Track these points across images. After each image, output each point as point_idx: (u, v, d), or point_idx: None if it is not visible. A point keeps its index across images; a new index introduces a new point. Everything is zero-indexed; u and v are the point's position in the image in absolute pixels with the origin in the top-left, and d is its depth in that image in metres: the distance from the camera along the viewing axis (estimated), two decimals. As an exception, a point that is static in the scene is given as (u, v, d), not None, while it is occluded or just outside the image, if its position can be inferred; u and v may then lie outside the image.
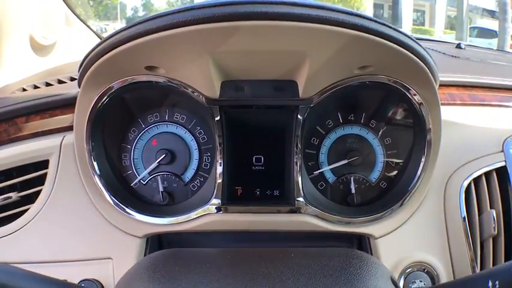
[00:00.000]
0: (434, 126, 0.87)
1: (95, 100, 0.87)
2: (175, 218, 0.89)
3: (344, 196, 0.96)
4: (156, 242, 0.94)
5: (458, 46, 1.76)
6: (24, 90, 1.10)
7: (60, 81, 1.13)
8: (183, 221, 0.89)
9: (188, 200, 0.95)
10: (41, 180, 0.93)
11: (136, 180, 0.96)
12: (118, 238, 0.91)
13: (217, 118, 0.87)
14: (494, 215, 0.88)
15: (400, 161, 0.96)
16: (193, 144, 0.96)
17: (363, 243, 0.94)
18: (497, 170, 0.92)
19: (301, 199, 0.88)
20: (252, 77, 0.84)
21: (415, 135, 0.91)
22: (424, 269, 0.89)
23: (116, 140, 0.96)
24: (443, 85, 1.03)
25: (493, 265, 0.89)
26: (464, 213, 0.90)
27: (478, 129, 0.99)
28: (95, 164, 0.90)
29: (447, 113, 0.94)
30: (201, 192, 0.95)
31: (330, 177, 0.97)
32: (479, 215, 0.90)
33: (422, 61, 0.78)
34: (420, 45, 0.77)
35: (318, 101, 0.86)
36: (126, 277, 0.70)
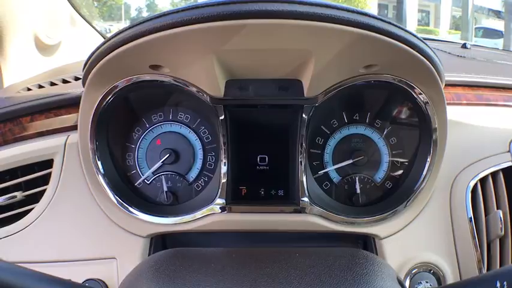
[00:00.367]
0: (440, 125, 0.87)
1: (99, 99, 0.87)
2: (179, 218, 0.89)
3: (349, 196, 0.95)
4: (160, 242, 0.94)
5: (464, 46, 1.75)
6: (29, 89, 1.10)
7: (64, 81, 1.14)
8: (187, 220, 0.89)
9: (192, 200, 0.95)
10: (45, 180, 0.94)
11: (140, 180, 0.96)
12: (122, 238, 0.91)
13: (222, 117, 0.86)
14: (501, 216, 0.87)
15: (406, 160, 0.95)
16: (197, 144, 0.96)
17: (368, 243, 0.93)
18: (504, 170, 0.92)
19: (305, 199, 0.88)
20: (256, 76, 0.84)
21: (420, 135, 0.91)
22: (430, 270, 0.89)
23: (120, 139, 0.96)
24: (449, 85, 1.03)
25: (500, 266, 0.89)
26: (471, 214, 0.89)
27: (484, 129, 0.98)
28: (99, 163, 0.90)
29: (453, 112, 0.94)
30: (205, 192, 0.95)
31: (335, 177, 0.96)
32: (485, 216, 0.89)
33: (428, 60, 0.77)
34: (427, 45, 0.76)
35: (323, 101, 0.86)
36: (130, 277, 0.69)
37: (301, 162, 0.88)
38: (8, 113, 0.98)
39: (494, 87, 1.07)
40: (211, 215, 0.88)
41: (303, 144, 0.88)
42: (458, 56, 1.48)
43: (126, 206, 0.90)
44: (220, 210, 0.88)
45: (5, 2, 1.14)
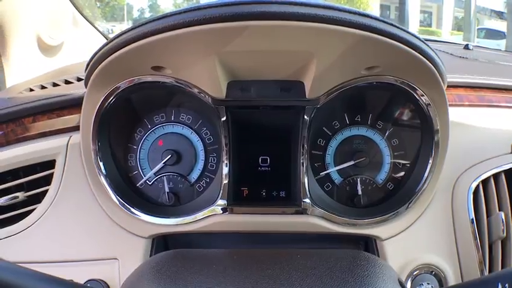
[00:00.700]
0: (442, 127, 0.87)
1: (101, 100, 0.87)
2: (181, 219, 0.90)
3: (350, 197, 0.96)
4: (161, 243, 0.94)
5: (466, 47, 1.75)
6: (31, 90, 1.11)
7: (67, 82, 1.14)
8: (189, 221, 0.89)
9: (194, 201, 0.96)
10: (47, 180, 0.94)
11: (142, 181, 0.97)
12: (124, 238, 0.91)
13: (223, 118, 0.87)
14: (503, 217, 0.87)
15: (407, 162, 0.95)
16: (199, 145, 0.97)
17: (369, 245, 0.93)
18: (506, 171, 0.92)
19: (307, 200, 0.88)
20: (258, 77, 0.84)
21: (422, 136, 0.91)
22: (432, 271, 0.89)
23: (121, 140, 0.97)
24: (450, 86, 1.02)
25: (502, 268, 0.88)
26: (473, 215, 0.89)
27: (486, 130, 0.98)
28: (101, 164, 0.90)
29: (455, 114, 0.94)
30: (207, 193, 0.95)
31: (337, 179, 0.96)
32: (487, 217, 0.89)
33: (430, 62, 0.78)
34: (428, 46, 0.76)
35: (325, 102, 0.86)
36: (131, 277, 0.70)
37: (302, 163, 0.88)
38: (11, 114, 0.99)
39: (497, 89, 1.07)
40: (212, 216, 0.89)
41: (305, 145, 0.88)
42: (460, 57, 1.48)
43: (128, 206, 0.90)
44: (221, 211, 0.89)
45: (7, 2, 1.15)
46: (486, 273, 0.88)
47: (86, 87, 0.88)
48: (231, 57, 0.77)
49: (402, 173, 0.96)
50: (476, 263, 0.87)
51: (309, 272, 0.67)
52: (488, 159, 0.93)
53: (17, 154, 0.94)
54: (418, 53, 0.75)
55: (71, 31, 1.46)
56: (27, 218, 0.94)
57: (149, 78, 0.86)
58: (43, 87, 1.12)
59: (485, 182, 0.91)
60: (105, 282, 0.89)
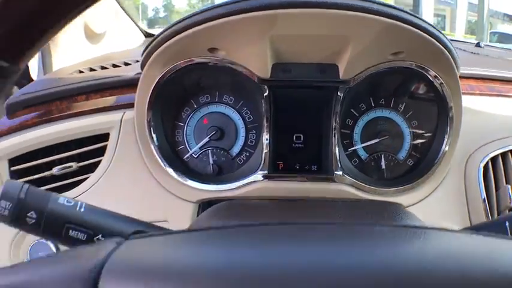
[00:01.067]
0: (455, 104, 0.97)
1: (158, 77, 0.96)
2: (226, 185, 0.99)
3: (375, 171, 1.06)
4: (207, 207, 1.03)
5: (478, 45, 1.83)
6: (80, 72, 1.19)
7: (114, 65, 1.22)
8: (233, 187, 0.99)
9: (235, 172, 1.05)
10: (100, 152, 1.01)
11: (188, 154, 1.06)
12: (174, 203, 0.99)
13: (266, 94, 0.96)
14: (510, 190, 0.98)
15: (425, 140, 1.06)
16: (240, 123, 1.06)
17: None
18: None
19: (339, 172, 0.98)
20: (299, 60, 0.95)
21: (439, 114, 1.02)
22: None
23: (170, 117, 1.06)
24: (462, 77, 1.12)
25: None
26: (484, 195, 0.99)
27: (495, 116, 1.09)
28: (154, 135, 0.99)
29: (466, 101, 1.03)
30: (246, 165, 1.04)
31: (363, 155, 1.07)
32: (496, 190, 1.00)
33: (445, 48, 0.90)
34: (444, 35, 0.89)
35: (355, 83, 0.97)
36: (201, 217, 0.80)
37: (335, 135, 0.98)
38: (66, 91, 1.05)
39: (506, 81, 1.17)
40: (254, 183, 0.98)
41: (337, 119, 0.98)
42: (472, 53, 1.59)
43: (178, 174, 0.99)
44: (262, 178, 0.98)
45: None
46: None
47: (141, 69, 0.97)
48: (280, 40, 0.88)
49: (421, 151, 1.06)
50: None
51: (350, 212, 0.81)
52: (497, 140, 1.04)
53: (72, 127, 1.01)
54: (434, 39, 0.87)
55: (113, 22, 1.55)
56: (79, 186, 1.00)
57: (203, 60, 0.95)
58: (92, 70, 1.20)
59: (494, 160, 1.02)
60: None
